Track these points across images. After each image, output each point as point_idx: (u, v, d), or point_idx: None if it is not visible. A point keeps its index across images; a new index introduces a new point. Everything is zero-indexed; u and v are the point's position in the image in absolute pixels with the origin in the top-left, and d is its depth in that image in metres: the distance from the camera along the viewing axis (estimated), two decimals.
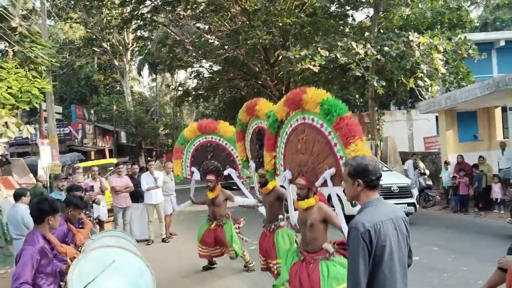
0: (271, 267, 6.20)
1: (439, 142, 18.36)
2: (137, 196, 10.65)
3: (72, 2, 27.68)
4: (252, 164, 6.88)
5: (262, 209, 7.06)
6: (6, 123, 10.07)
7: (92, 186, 9.50)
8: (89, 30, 32.16)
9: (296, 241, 6.00)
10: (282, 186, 5.86)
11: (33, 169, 14.51)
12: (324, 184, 4.50)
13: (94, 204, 8.83)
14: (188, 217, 13.70)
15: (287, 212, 6.33)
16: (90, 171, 10.26)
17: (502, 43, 25.12)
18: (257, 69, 23.89)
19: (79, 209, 5.14)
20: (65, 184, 7.95)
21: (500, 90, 12.49)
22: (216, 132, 8.02)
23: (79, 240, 4.65)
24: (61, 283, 3.84)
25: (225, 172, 7.87)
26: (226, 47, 21.91)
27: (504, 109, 14.61)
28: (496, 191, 12.57)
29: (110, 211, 11.18)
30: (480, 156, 13.75)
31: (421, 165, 15.28)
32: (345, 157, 4.22)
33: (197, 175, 8.06)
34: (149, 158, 16.21)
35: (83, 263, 3.70)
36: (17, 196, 6.65)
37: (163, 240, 10.70)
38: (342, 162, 4.23)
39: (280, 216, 6.24)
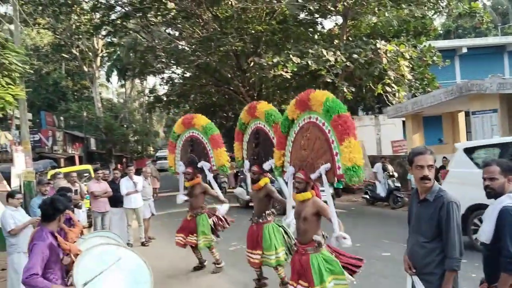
0: (256, 258, 6.49)
1: (406, 145, 19.05)
2: (116, 200, 10.77)
3: (40, 8, 27.36)
4: (246, 163, 7.33)
5: (223, 208, 7.74)
6: None
7: (76, 190, 9.62)
8: (57, 36, 31.82)
9: (287, 232, 6.42)
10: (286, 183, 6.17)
11: (6, 176, 14.39)
12: (320, 179, 4.88)
13: (75, 209, 8.93)
14: (165, 221, 13.85)
15: (274, 208, 6.73)
16: (69, 177, 10.33)
17: (465, 50, 26.22)
18: (229, 76, 24.17)
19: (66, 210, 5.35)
20: (48, 189, 8.06)
21: (463, 96, 13.20)
22: (192, 126, 8.43)
23: (71, 238, 4.84)
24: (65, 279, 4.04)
25: (199, 165, 8.19)
26: (198, 53, 22.12)
27: (467, 114, 15.34)
28: None
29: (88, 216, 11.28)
30: (444, 157, 14.36)
31: (390, 168, 15.82)
32: (340, 153, 4.56)
33: (182, 168, 8.37)
34: (128, 164, 16.31)
35: (87, 259, 3.92)
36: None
37: (142, 244, 10.86)
38: (337, 158, 4.61)
39: (268, 212, 6.58)
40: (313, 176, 4.87)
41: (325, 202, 4.90)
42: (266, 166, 6.73)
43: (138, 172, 13.01)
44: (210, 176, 8.18)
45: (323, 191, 5.07)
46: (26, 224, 6.70)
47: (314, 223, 4.90)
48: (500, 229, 3.16)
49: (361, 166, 4.43)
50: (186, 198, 8.21)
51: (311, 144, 5.05)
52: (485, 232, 3.27)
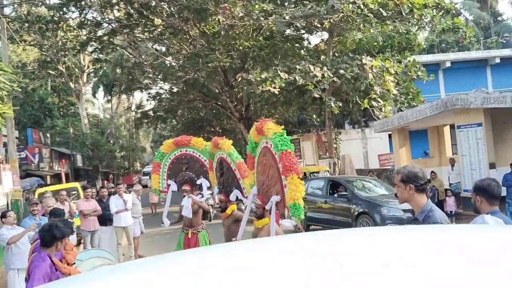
0: None
1: (393, 159, 19.26)
2: (105, 219, 10.72)
3: (27, 25, 27.31)
4: (215, 189, 7.60)
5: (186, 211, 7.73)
6: None
7: (63, 210, 9.54)
8: (44, 53, 31.70)
9: None
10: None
11: None
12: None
13: None
14: (155, 239, 13.79)
15: None
16: (58, 195, 10.28)
17: (448, 64, 26.69)
18: (217, 91, 24.29)
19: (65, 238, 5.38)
20: (38, 208, 8.03)
21: (448, 110, 13.42)
22: (189, 145, 8.46)
23: (70, 260, 4.84)
24: None
25: (198, 182, 8.26)
26: (186, 69, 22.22)
27: (452, 127, 15.58)
28: (450, 204, 13.26)
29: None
30: (432, 172, 14.54)
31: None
32: (287, 187, 4.69)
33: (174, 187, 8.39)
34: (118, 182, 16.23)
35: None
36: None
37: None
38: (286, 190, 4.69)
39: (234, 238, 6.57)
40: (267, 206, 5.00)
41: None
42: (232, 196, 6.83)
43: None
44: (205, 192, 8.31)
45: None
46: (22, 235, 6.77)
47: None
48: None
49: (301, 205, 4.57)
50: (170, 222, 8.33)
51: (266, 170, 5.18)
52: None
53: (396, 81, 17.79)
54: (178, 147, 8.53)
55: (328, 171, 20.28)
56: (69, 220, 9.31)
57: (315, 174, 19.48)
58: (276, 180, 4.88)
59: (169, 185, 8.52)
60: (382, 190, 12.79)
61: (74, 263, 4.73)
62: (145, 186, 25.21)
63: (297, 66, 16.47)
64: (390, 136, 21.05)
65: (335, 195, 13.03)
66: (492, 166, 12.72)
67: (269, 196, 5.01)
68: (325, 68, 16.33)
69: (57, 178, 29.17)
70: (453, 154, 17.03)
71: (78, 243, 11.96)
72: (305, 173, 19.27)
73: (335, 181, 13.90)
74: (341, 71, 16.35)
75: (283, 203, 4.79)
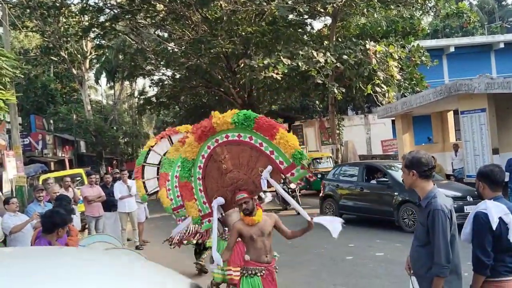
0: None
1: (396, 145, 19.22)
2: (109, 205, 10.79)
3: (28, 11, 27.21)
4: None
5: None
6: None
7: (69, 197, 9.60)
8: (46, 39, 31.62)
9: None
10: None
11: None
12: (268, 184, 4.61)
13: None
14: (159, 225, 13.88)
15: None
16: (62, 182, 10.34)
17: (452, 49, 26.52)
18: (220, 77, 24.24)
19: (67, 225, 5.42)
20: (43, 195, 8.08)
21: (452, 95, 13.37)
22: (178, 133, 7.79)
23: (73, 245, 4.88)
24: None
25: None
26: (188, 55, 22.15)
27: (456, 113, 15.53)
28: None
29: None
30: (432, 157, 14.50)
31: None
32: (275, 149, 4.46)
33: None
34: (122, 168, 16.29)
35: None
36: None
37: (137, 248, 10.87)
38: (275, 155, 4.46)
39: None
40: (262, 186, 4.57)
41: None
42: None
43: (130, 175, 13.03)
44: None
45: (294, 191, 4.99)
46: (25, 224, 6.81)
47: (270, 241, 4.66)
48: (472, 233, 3.40)
49: (302, 150, 4.46)
50: None
51: (235, 161, 4.74)
52: (465, 234, 3.46)
53: (399, 66, 17.73)
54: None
55: (331, 157, 20.29)
56: (73, 206, 9.40)
57: (318, 160, 19.48)
58: (257, 157, 4.58)
59: None
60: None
61: None
62: None
63: (300, 52, 16.41)
64: (393, 122, 20.98)
65: (373, 181, 11.96)
66: (495, 151, 12.70)
67: (253, 181, 4.64)
68: (328, 54, 16.26)
69: (61, 165, 29.29)
70: (456, 140, 16.99)
71: (83, 229, 12.06)
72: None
73: (372, 166, 12.84)
74: (344, 57, 16.28)
75: (279, 170, 4.50)
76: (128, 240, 11.25)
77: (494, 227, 3.26)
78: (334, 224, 4.56)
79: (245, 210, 4.49)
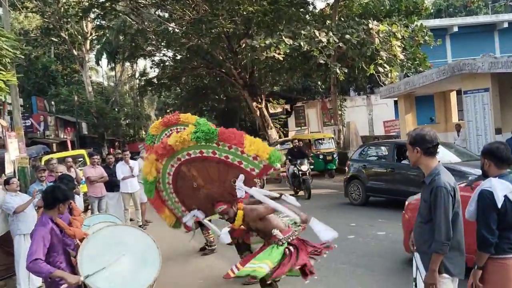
0: None
1: (398, 125, 19.17)
2: (112, 185, 10.81)
3: None
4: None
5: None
6: None
7: (72, 177, 9.62)
8: (46, 20, 31.42)
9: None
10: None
11: None
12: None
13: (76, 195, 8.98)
14: None
15: None
16: (64, 162, 10.34)
17: (456, 29, 26.29)
18: (221, 58, 24.07)
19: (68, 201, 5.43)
20: (45, 175, 8.10)
21: (455, 75, 13.29)
22: (178, 123, 7.95)
23: (77, 225, 4.88)
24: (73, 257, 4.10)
25: None
26: (189, 35, 21.97)
27: (459, 93, 15.44)
28: None
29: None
30: None
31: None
32: (242, 159, 4.53)
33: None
34: (124, 149, 16.31)
35: (92, 243, 4.00)
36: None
37: (140, 227, 10.93)
38: (244, 164, 4.56)
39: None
40: (239, 195, 4.67)
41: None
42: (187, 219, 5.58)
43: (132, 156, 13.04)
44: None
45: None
46: (28, 203, 6.83)
47: (266, 224, 4.74)
48: (477, 210, 3.38)
49: (275, 150, 4.63)
50: None
51: (206, 177, 4.76)
52: (470, 212, 3.44)
53: (403, 46, 17.57)
54: (167, 127, 7.76)
55: (332, 138, 20.26)
56: (77, 187, 9.42)
57: (320, 141, 19.44)
58: (225, 169, 4.62)
59: None
60: (460, 156, 10.71)
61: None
62: None
63: (302, 32, 16.27)
64: (396, 102, 20.90)
65: (405, 161, 10.84)
66: (498, 131, 12.66)
67: (229, 191, 4.67)
68: (330, 33, 16.12)
69: (63, 146, 29.30)
70: (459, 120, 16.94)
71: (86, 209, 12.11)
72: (309, 140, 19.25)
73: (404, 146, 11.26)
74: (347, 36, 16.13)
75: (250, 177, 4.60)
76: (131, 220, 11.30)
77: (499, 205, 3.24)
78: (327, 232, 4.54)
79: (229, 219, 4.65)
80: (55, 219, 4.03)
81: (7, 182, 7.08)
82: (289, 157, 14.09)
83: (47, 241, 3.82)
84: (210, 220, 5.28)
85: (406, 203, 6.77)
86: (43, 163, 13.47)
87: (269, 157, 4.48)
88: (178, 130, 7.88)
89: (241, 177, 4.60)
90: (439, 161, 3.49)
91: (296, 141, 15.10)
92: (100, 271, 3.83)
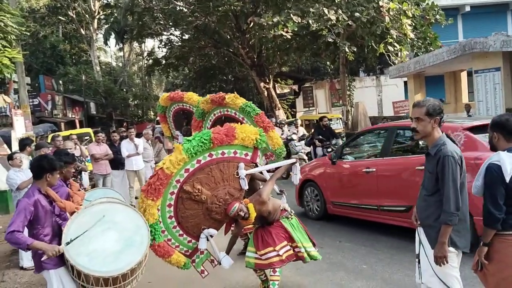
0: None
1: (408, 106, 18.96)
2: (117, 163, 10.77)
3: None
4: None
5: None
6: None
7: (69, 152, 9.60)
8: None
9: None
10: None
11: (6, 140, 14.40)
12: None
13: (83, 173, 8.99)
14: None
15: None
16: (69, 139, 10.30)
17: (468, 9, 25.79)
18: (228, 37, 23.82)
19: (70, 164, 5.36)
20: (48, 151, 8.04)
21: (466, 54, 13.01)
22: (183, 100, 8.01)
23: (77, 202, 4.82)
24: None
25: (174, 134, 8.23)
26: (196, 14, 21.72)
27: (469, 73, 15.18)
28: None
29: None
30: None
31: None
32: (235, 148, 4.65)
33: (181, 139, 8.27)
34: (130, 126, 16.32)
35: (81, 217, 3.91)
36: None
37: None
38: (239, 153, 4.65)
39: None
40: (243, 186, 4.71)
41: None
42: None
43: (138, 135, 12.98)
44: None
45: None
46: (32, 180, 6.78)
47: (275, 202, 4.94)
48: (484, 185, 3.24)
49: (283, 147, 5.25)
50: None
51: (211, 184, 4.62)
52: (476, 187, 3.30)
53: (413, 25, 17.21)
54: (174, 102, 8.21)
55: (341, 118, 20.07)
56: (83, 164, 9.41)
57: (328, 121, 19.18)
58: (227, 164, 4.68)
59: (178, 135, 8.44)
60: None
61: (81, 205, 4.70)
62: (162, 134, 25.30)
63: (311, 9, 15.98)
64: (405, 83, 20.63)
65: None
66: (509, 111, 12.41)
67: (233, 192, 4.69)
68: (339, 11, 15.81)
69: (71, 125, 29.40)
70: (469, 101, 16.68)
71: (93, 187, 12.11)
72: (317, 120, 19.05)
73: None
74: (357, 14, 15.83)
75: (248, 162, 4.76)
76: (136, 198, 11.27)
77: (507, 179, 3.10)
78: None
79: (245, 215, 4.59)
80: (44, 190, 3.95)
81: (10, 158, 7.03)
82: (319, 137, 12.74)
83: (28, 213, 3.73)
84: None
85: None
86: (49, 140, 13.48)
87: (256, 140, 4.70)
88: (184, 106, 8.05)
89: (241, 165, 4.67)
90: (443, 132, 3.41)
91: (326, 119, 13.69)
92: (81, 237, 3.73)
